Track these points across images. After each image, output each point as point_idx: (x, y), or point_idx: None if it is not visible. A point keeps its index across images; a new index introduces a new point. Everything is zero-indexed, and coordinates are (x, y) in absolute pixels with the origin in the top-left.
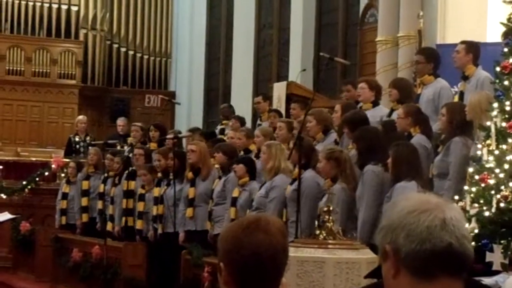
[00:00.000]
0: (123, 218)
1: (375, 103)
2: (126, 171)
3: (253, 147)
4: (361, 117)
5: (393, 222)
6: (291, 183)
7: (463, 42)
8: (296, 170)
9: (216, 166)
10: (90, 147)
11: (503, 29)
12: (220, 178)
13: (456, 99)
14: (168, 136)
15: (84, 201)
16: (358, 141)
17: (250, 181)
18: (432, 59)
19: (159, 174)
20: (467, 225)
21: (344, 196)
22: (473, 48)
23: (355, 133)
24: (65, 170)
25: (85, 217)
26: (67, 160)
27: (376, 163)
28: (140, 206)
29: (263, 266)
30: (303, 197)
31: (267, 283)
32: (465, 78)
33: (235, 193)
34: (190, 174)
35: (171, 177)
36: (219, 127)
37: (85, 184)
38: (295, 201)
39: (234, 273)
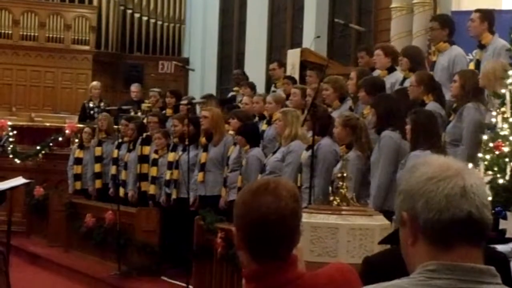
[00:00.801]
0: (137, 184)
1: (391, 69)
2: (141, 137)
3: (266, 113)
4: (379, 82)
5: (411, 188)
6: (307, 149)
7: (477, 11)
8: (310, 137)
9: (231, 132)
10: (100, 113)
11: None
12: (235, 144)
13: (471, 66)
14: (183, 102)
15: (97, 167)
16: (377, 107)
17: (250, 148)
18: (447, 25)
19: (175, 140)
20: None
21: (359, 163)
22: (488, 16)
23: (374, 98)
24: (78, 136)
25: (98, 183)
26: (81, 125)
27: (394, 129)
28: (153, 171)
29: (271, 229)
30: (320, 164)
31: (277, 247)
32: (482, 46)
33: (244, 161)
34: (203, 140)
35: (186, 142)
36: (230, 93)
37: (98, 150)
38: (309, 167)
39: (245, 237)
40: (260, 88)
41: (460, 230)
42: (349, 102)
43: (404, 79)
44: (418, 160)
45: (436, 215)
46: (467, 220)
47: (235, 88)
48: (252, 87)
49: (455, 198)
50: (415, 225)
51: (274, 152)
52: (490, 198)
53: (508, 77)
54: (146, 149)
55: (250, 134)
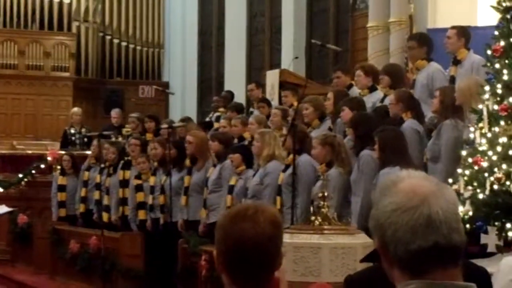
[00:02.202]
0: (120, 208)
1: (373, 88)
2: (122, 161)
3: (247, 135)
4: (361, 101)
5: (379, 218)
6: (284, 170)
7: (453, 27)
8: (290, 156)
9: (212, 154)
10: (89, 140)
11: (494, 12)
12: (215, 166)
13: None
14: (163, 126)
15: (83, 192)
16: (356, 126)
17: (247, 169)
18: (425, 43)
19: (155, 164)
20: (461, 208)
21: (340, 181)
22: (465, 32)
23: (352, 118)
24: (60, 163)
25: (82, 208)
26: (63, 152)
27: (372, 148)
28: (140, 197)
29: (249, 255)
30: (301, 182)
31: (257, 271)
32: (457, 62)
33: (232, 181)
34: (187, 162)
35: (171, 166)
36: (215, 115)
37: (86, 175)
38: (290, 186)
39: (224, 261)
40: None
41: (429, 258)
42: (328, 122)
43: (385, 97)
44: (388, 182)
45: (403, 247)
46: (433, 249)
47: (221, 109)
48: (239, 110)
49: (420, 229)
50: (386, 253)
51: (254, 175)
52: (471, 213)
53: (484, 92)
54: (127, 174)
55: (248, 155)
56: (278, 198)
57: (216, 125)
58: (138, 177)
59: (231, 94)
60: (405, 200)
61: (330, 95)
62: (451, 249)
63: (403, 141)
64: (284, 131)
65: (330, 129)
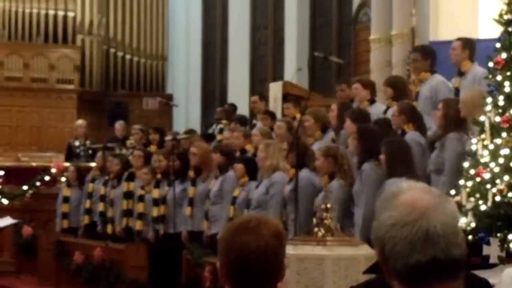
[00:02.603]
0: (124, 220)
1: (372, 101)
2: (126, 173)
3: (249, 147)
4: (365, 113)
5: (379, 231)
6: (289, 182)
7: (459, 39)
8: (292, 170)
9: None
10: (93, 152)
11: (495, 25)
12: (217, 178)
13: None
14: (167, 138)
15: (88, 204)
16: (360, 139)
17: (249, 181)
18: (429, 55)
19: (159, 176)
20: (463, 219)
21: (342, 193)
22: (469, 44)
23: (358, 131)
24: (65, 174)
25: (86, 219)
26: (67, 164)
27: (375, 161)
28: (140, 207)
29: (252, 267)
30: (300, 196)
31: (259, 283)
32: (461, 74)
33: (235, 193)
34: (191, 173)
35: (172, 178)
36: (218, 127)
37: (90, 187)
38: (292, 200)
39: (227, 273)
40: None
41: (427, 273)
42: (331, 134)
43: (387, 108)
44: (389, 194)
45: (401, 261)
46: (432, 263)
47: (224, 121)
48: (242, 122)
49: (418, 244)
50: (386, 266)
51: (257, 186)
52: (473, 225)
53: (486, 104)
54: (131, 185)
55: (252, 167)
56: (284, 210)
57: (219, 137)
58: (142, 187)
59: (233, 107)
60: (404, 214)
61: (334, 107)
62: (449, 263)
63: (409, 153)
64: (285, 145)
65: (333, 140)
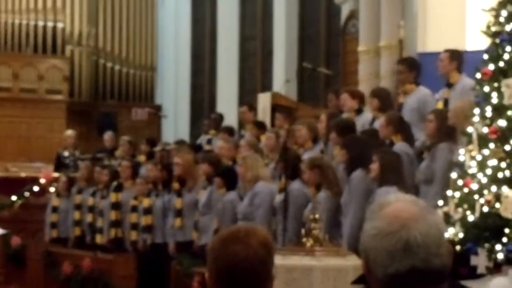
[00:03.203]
0: (113, 230)
1: (359, 111)
2: (114, 183)
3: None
4: (350, 123)
5: (363, 241)
6: (280, 192)
7: (446, 51)
8: (283, 180)
9: (202, 176)
10: (81, 162)
11: (483, 37)
12: (205, 188)
13: (440, 106)
14: (157, 149)
15: (77, 215)
16: (347, 148)
17: (227, 192)
18: (414, 67)
19: (149, 186)
20: (451, 229)
21: (329, 204)
22: (457, 56)
23: (345, 139)
24: (55, 185)
25: (78, 231)
26: (56, 175)
27: (363, 170)
28: (133, 218)
29: (240, 277)
30: (290, 207)
31: None
32: (449, 85)
33: (219, 204)
34: (176, 185)
35: (160, 188)
36: (206, 137)
37: (78, 198)
38: (282, 210)
39: (215, 284)
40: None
41: (407, 282)
42: (321, 144)
43: (373, 119)
44: (376, 206)
45: (382, 270)
46: (411, 273)
47: (212, 132)
48: (230, 132)
49: (398, 253)
50: (369, 276)
51: (242, 199)
52: (461, 235)
53: (473, 115)
54: (119, 196)
55: (230, 178)
56: (272, 219)
57: (206, 147)
58: (136, 198)
59: (220, 116)
60: (386, 225)
61: (323, 117)
62: (429, 273)
63: (401, 163)
64: (276, 156)
65: (322, 151)
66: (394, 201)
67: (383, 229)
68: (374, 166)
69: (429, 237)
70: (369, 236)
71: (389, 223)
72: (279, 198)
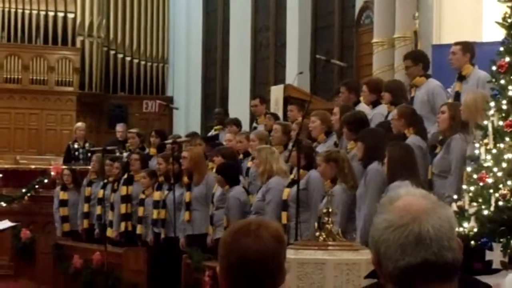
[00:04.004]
0: (123, 223)
1: (376, 103)
2: (124, 176)
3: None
4: (361, 117)
5: (374, 235)
6: (290, 185)
7: (458, 43)
8: (295, 171)
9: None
10: (92, 154)
11: (499, 28)
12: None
13: (451, 99)
14: (167, 141)
15: (86, 207)
16: (365, 140)
17: (231, 187)
18: (420, 60)
19: (160, 179)
20: (465, 224)
21: (345, 197)
22: (469, 48)
23: (361, 132)
24: (60, 178)
25: (85, 223)
26: (66, 167)
27: (379, 162)
28: (140, 211)
29: (252, 270)
30: (312, 198)
31: (260, 287)
32: (462, 78)
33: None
34: (185, 179)
35: (172, 181)
36: (213, 132)
37: (87, 191)
38: (295, 203)
39: (227, 277)
40: (245, 125)
41: (419, 275)
42: (334, 137)
43: (389, 113)
44: (386, 199)
45: (393, 263)
46: (423, 266)
47: (217, 127)
48: (238, 124)
49: (409, 247)
50: (381, 269)
51: (258, 191)
52: (475, 230)
53: (489, 108)
54: (130, 189)
55: (229, 174)
56: (283, 214)
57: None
58: (143, 191)
59: (224, 110)
60: (397, 218)
61: (336, 110)
62: (441, 266)
63: (413, 156)
64: (289, 146)
65: (336, 144)
66: (405, 194)
67: (394, 222)
68: (386, 160)
69: (441, 230)
70: (379, 229)
71: (400, 216)
72: (292, 190)
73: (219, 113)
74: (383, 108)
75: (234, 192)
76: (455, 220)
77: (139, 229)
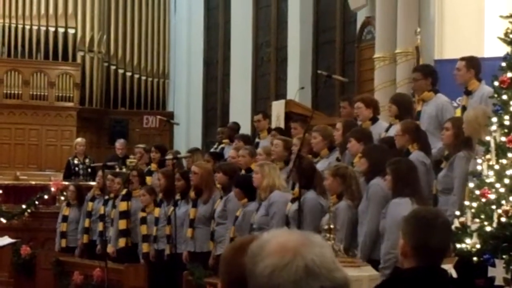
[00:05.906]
0: (123, 240)
1: (374, 120)
2: (121, 193)
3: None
4: (367, 132)
5: (261, 282)
6: (292, 202)
7: (463, 59)
8: (296, 189)
9: (218, 185)
10: (92, 170)
11: (501, 44)
12: (221, 198)
13: (458, 113)
14: (168, 157)
15: (87, 222)
16: (369, 156)
17: (249, 202)
18: (430, 74)
19: (160, 195)
20: (468, 240)
21: (349, 214)
22: (474, 63)
23: (365, 148)
24: (64, 193)
25: (85, 238)
26: (66, 183)
27: (382, 178)
28: (143, 229)
29: None
30: (307, 218)
31: None
32: (468, 93)
33: (238, 212)
34: (192, 194)
35: (177, 197)
36: (219, 146)
37: (89, 206)
38: (296, 220)
39: None
40: None
41: None
42: (337, 152)
43: (390, 126)
44: (254, 248)
45: None
46: None
47: (225, 141)
48: (246, 140)
49: (303, 281)
50: None
51: (258, 209)
52: (478, 246)
53: (491, 124)
54: (129, 204)
55: (248, 187)
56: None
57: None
58: (143, 210)
59: (237, 125)
60: (278, 260)
61: (339, 125)
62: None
63: (415, 173)
64: (290, 164)
65: (338, 159)
66: (271, 237)
67: (277, 264)
68: (388, 178)
69: (323, 256)
70: (265, 276)
71: (281, 256)
72: (293, 207)
73: (232, 128)
74: (382, 124)
75: (250, 207)
76: (327, 243)
77: (145, 248)
